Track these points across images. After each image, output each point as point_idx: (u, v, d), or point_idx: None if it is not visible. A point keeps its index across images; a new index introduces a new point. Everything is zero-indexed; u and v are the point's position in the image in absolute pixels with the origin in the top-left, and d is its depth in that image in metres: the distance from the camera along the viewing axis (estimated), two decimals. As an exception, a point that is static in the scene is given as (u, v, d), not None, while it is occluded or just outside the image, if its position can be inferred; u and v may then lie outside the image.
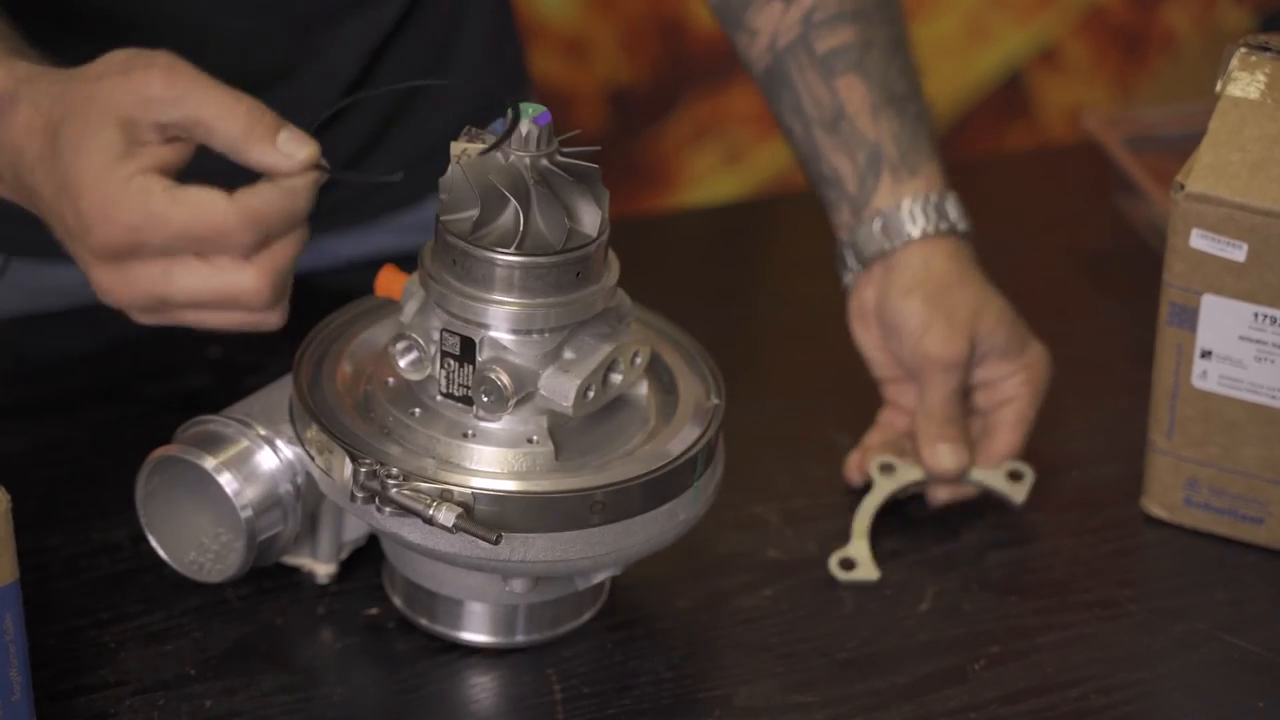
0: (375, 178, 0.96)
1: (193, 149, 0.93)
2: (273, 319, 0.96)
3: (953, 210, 1.18)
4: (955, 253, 1.17)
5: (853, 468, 1.19)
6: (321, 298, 1.10)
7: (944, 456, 1.16)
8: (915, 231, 1.17)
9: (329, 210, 1.01)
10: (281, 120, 0.93)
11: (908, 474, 1.18)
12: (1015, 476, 1.18)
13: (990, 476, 1.18)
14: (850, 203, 1.18)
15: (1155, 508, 1.20)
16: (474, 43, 1.37)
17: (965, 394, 1.19)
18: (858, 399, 1.29)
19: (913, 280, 1.16)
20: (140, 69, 0.91)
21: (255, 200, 0.91)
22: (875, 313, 1.18)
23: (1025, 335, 1.18)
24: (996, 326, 1.17)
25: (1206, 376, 1.15)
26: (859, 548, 1.15)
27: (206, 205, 0.91)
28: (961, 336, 1.16)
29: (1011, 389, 1.18)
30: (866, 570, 1.14)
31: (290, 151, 0.92)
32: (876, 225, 1.17)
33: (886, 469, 1.18)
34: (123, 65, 0.92)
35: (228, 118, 0.91)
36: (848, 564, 1.14)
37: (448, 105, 1.35)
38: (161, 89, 0.91)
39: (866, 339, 1.20)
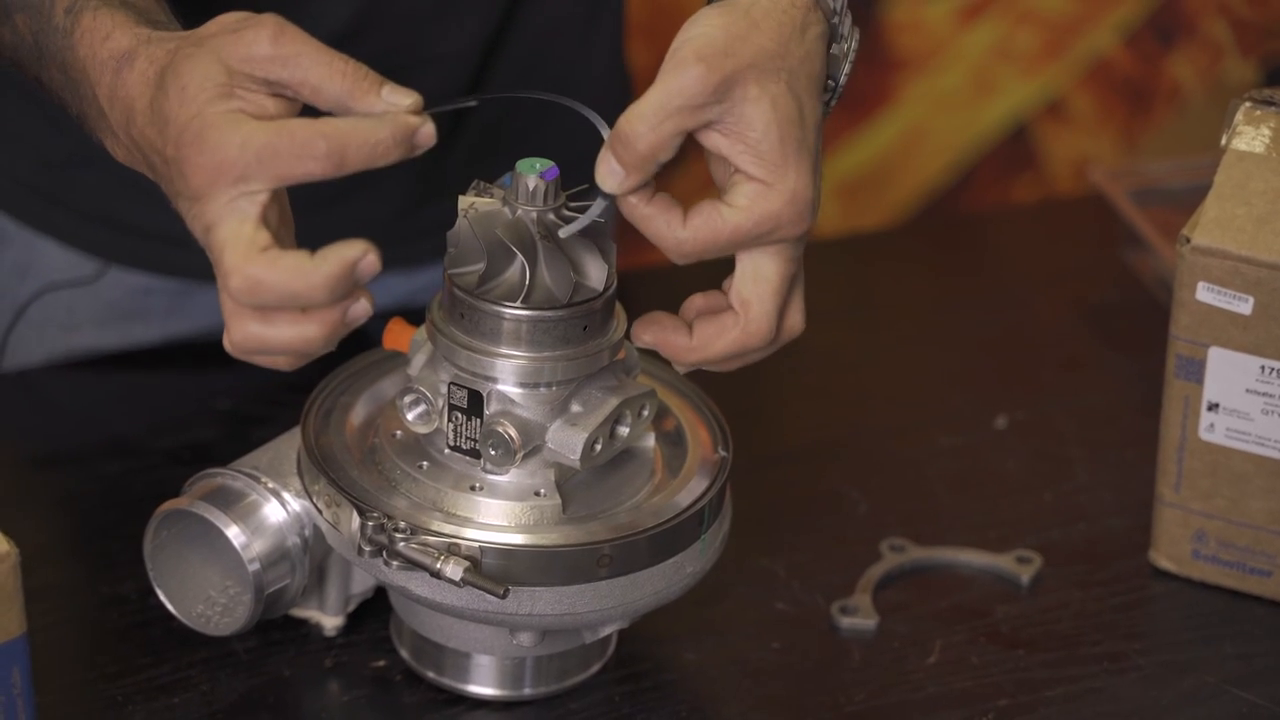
0: (458, 103, 0.98)
1: (299, 108, 0.95)
2: (230, 312, 0.94)
3: None
4: (796, 9, 0.98)
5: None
6: (330, 350, 1.11)
7: (603, 170, 0.96)
8: None
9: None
10: (383, 78, 0.95)
11: (916, 553, 1.18)
12: (1023, 561, 1.18)
13: (997, 560, 1.18)
14: None
15: (1163, 560, 1.20)
16: (587, 87, 1.38)
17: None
18: (865, 451, 1.29)
19: (727, 5, 0.98)
20: (250, 28, 0.94)
21: (342, 121, 0.93)
22: None
23: (790, 154, 0.97)
24: (763, 97, 0.96)
25: (1214, 429, 1.16)
26: (861, 598, 1.15)
27: (290, 125, 0.93)
28: (715, 74, 0.95)
29: (732, 193, 0.97)
30: (866, 615, 1.14)
31: (395, 101, 0.94)
32: None
33: (896, 548, 1.18)
34: (234, 25, 0.95)
35: (335, 77, 0.94)
36: (849, 610, 1.14)
37: (547, 148, 1.34)
38: (270, 48, 0.94)
39: None
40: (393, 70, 1.30)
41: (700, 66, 0.95)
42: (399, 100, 0.94)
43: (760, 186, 0.97)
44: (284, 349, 0.94)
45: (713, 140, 0.97)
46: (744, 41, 0.96)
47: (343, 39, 1.27)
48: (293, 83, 0.94)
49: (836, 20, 1.01)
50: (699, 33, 0.96)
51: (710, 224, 0.97)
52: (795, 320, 1.02)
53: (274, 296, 0.92)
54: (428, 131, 0.94)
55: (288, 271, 0.92)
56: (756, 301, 0.99)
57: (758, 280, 0.99)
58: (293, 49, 0.94)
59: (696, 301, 1.02)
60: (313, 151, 0.92)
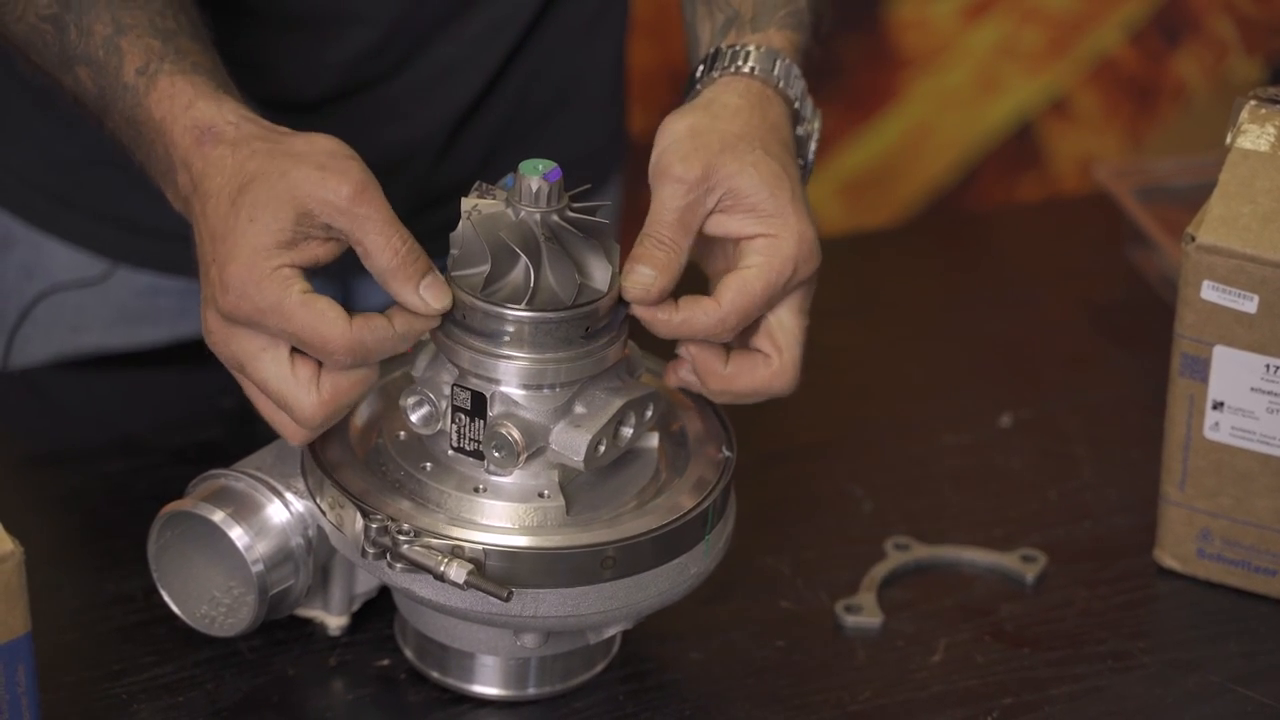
0: (507, 308, 1.01)
1: (343, 249, 1.00)
2: (304, 435, 1.02)
3: (777, 67, 1.08)
4: (752, 95, 1.07)
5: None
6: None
7: (636, 278, 1.02)
8: (717, 73, 1.09)
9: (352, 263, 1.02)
10: (430, 265, 1.00)
11: (920, 551, 1.18)
12: (1028, 559, 1.18)
13: (1002, 558, 1.18)
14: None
15: (1168, 559, 1.20)
16: (592, 83, 1.41)
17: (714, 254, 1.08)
18: (870, 450, 1.29)
19: (690, 106, 1.07)
20: (335, 176, 0.98)
21: (368, 335, 0.99)
22: None
23: (786, 204, 1.04)
24: (744, 168, 1.04)
25: (1218, 428, 1.15)
26: (865, 597, 1.15)
27: (328, 320, 0.98)
28: (699, 159, 1.03)
29: (746, 257, 1.05)
30: (871, 613, 1.14)
31: (427, 299, 0.99)
32: (700, 69, 1.11)
33: (901, 546, 1.19)
34: (322, 160, 0.99)
35: (388, 253, 0.99)
36: (853, 609, 1.14)
37: (552, 145, 1.36)
38: (347, 203, 0.98)
39: None
40: (410, 77, 1.31)
41: (678, 167, 1.02)
42: (430, 302, 1.00)
43: (767, 239, 1.04)
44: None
45: (719, 223, 1.04)
46: (710, 133, 1.04)
47: (367, 56, 1.28)
48: (351, 238, 0.99)
49: (798, 105, 1.09)
50: (667, 144, 1.04)
51: (742, 291, 1.03)
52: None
53: (349, 405, 1.01)
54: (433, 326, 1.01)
55: (358, 383, 1.00)
56: (786, 349, 1.06)
57: (783, 330, 1.06)
58: (365, 211, 0.98)
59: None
60: (337, 360, 0.99)
